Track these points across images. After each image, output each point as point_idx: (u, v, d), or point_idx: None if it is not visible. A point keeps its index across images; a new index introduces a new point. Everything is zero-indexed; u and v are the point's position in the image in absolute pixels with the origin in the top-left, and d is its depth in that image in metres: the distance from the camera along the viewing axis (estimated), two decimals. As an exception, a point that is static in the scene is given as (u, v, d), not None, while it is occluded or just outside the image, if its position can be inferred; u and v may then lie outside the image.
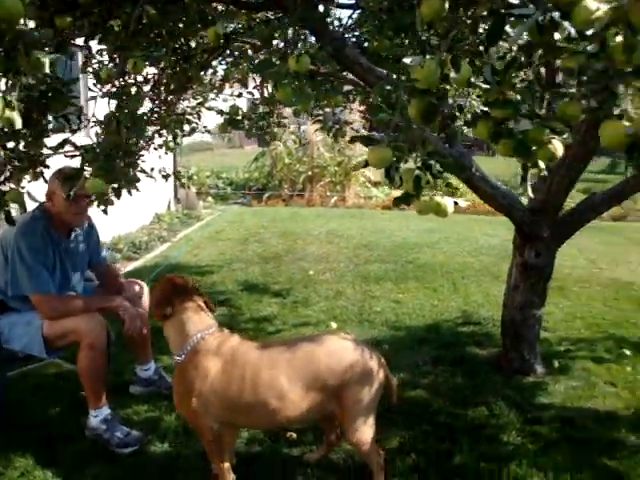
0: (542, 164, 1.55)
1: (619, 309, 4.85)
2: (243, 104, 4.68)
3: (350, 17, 3.46)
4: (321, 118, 4.14)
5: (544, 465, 2.55)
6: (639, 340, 4.11)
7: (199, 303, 2.30)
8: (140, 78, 2.67)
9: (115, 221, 3.29)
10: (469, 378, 3.42)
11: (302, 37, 2.06)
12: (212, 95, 3.63)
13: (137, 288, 3.09)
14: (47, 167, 2.74)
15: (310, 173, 11.10)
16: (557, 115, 1.36)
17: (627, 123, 1.16)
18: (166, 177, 3.66)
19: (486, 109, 1.42)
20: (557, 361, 3.63)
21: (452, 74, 1.32)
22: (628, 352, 3.86)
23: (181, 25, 2.32)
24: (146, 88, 3.02)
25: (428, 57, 1.29)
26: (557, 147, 1.40)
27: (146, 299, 3.07)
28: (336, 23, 3.41)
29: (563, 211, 3.29)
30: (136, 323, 2.80)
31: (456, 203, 1.54)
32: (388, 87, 1.49)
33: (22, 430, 2.77)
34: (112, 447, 2.62)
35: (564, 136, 1.42)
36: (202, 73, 3.00)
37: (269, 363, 2.17)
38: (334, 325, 4.19)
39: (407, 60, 1.37)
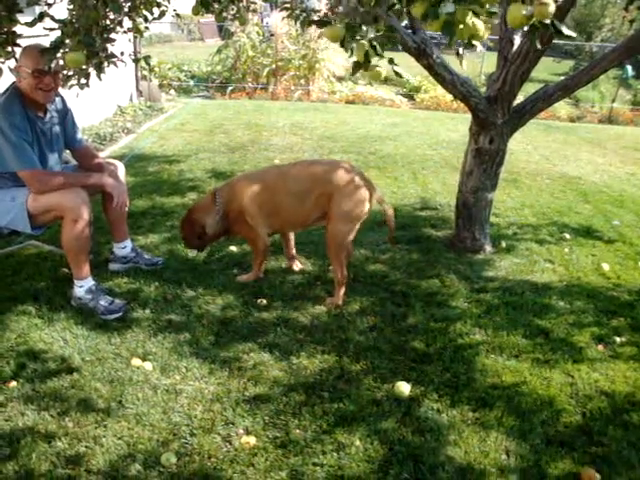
0: (478, 43, 1.73)
1: (565, 199, 5.22)
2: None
3: None
4: (288, 5, 4.12)
5: (485, 324, 2.93)
6: (579, 226, 4.50)
7: None
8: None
9: (78, 113, 3.30)
10: (424, 255, 3.75)
11: None
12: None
13: (113, 167, 3.20)
14: (18, 46, 2.77)
15: (274, 66, 10.88)
16: None
17: (526, 6, 1.43)
18: (136, 61, 3.66)
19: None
20: (504, 242, 3.98)
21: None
22: (568, 236, 4.24)
23: None
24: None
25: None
26: (478, 26, 1.58)
27: (123, 177, 3.20)
28: None
29: (517, 101, 3.49)
30: (124, 197, 3.03)
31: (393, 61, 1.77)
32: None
33: (11, 301, 2.95)
34: (98, 314, 2.85)
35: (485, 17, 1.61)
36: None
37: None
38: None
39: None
